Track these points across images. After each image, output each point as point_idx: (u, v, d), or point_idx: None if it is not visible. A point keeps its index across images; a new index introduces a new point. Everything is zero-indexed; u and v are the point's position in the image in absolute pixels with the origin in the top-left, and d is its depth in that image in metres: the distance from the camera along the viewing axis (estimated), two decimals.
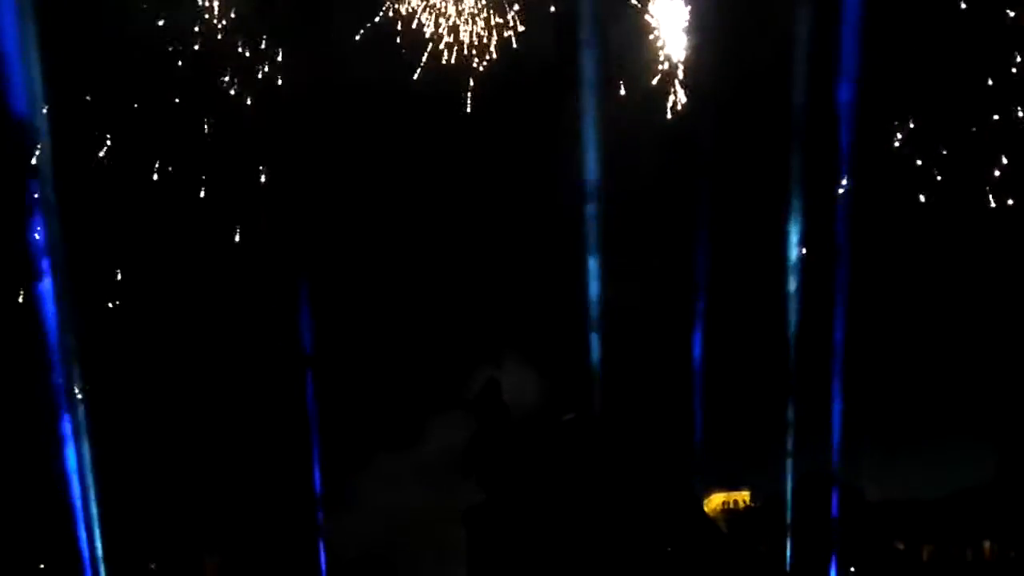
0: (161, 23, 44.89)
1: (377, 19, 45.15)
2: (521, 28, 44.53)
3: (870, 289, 41.53)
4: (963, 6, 40.70)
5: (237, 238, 45.89)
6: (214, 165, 46.02)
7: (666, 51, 43.29)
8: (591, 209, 39.60)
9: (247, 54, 45.36)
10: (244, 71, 45.57)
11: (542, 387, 39.96)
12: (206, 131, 45.86)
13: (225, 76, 45.48)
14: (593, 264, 38.83)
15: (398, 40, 45.46)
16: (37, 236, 39.58)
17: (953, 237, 44.18)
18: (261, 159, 45.89)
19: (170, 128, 45.86)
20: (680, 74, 43.44)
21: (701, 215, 42.46)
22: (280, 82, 45.34)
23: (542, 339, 42.58)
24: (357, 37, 45.02)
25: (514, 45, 44.84)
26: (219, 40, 45.37)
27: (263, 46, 45.32)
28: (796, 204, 41.06)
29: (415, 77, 44.87)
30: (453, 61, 45.39)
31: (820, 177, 40.13)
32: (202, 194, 45.74)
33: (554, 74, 43.59)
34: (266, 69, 45.25)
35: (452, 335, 45.08)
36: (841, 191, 38.55)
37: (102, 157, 44.93)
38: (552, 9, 44.21)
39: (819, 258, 40.06)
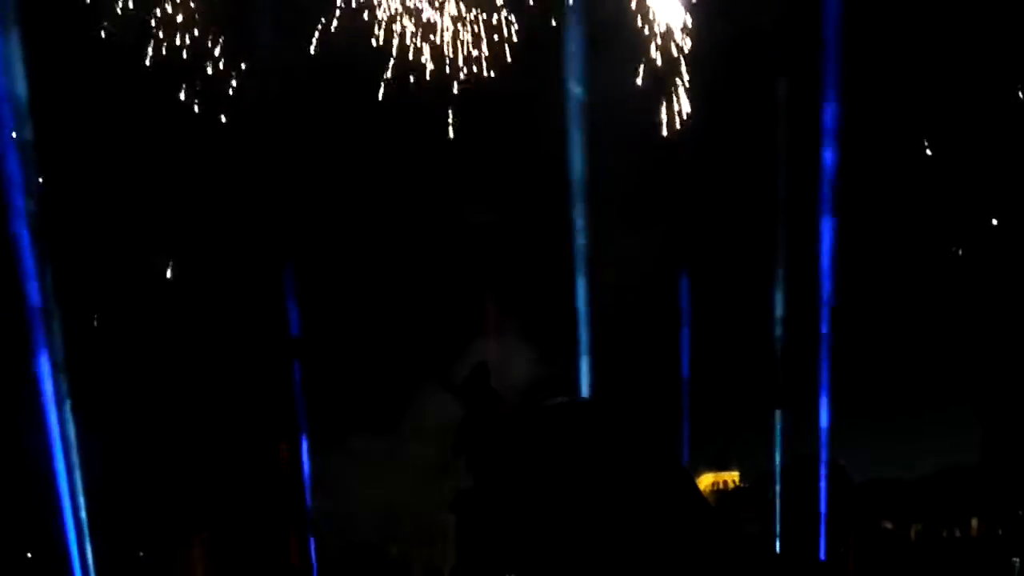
0: (128, 28, 44.45)
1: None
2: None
3: (856, 271, 41.65)
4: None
5: (222, 225, 45.64)
6: (195, 160, 45.67)
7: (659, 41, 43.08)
8: (581, 195, 39.47)
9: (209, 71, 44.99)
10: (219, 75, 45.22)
11: (531, 370, 39.97)
12: (183, 130, 45.49)
13: (197, 82, 45.14)
14: (582, 250, 38.66)
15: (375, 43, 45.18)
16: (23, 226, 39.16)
17: (937, 220, 44.39)
18: (243, 149, 45.55)
19: (144, 127, 45.48)
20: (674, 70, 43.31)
21: (689, 202, 42.51)
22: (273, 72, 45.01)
23: (531, 322, 42.57)
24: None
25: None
26: (188, 47, 44.96)
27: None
28: (783, 187, 41.12)
29: (420, 64, 44.62)
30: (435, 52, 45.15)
31: (811, 161, 40.11)
32: (186, 186, 45.43)
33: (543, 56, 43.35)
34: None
35: (440, 318, 45.01)
36: (829, 173, 38.52)
37: (84, 151, 44.57)
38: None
39: (806, 240, 40.05)
